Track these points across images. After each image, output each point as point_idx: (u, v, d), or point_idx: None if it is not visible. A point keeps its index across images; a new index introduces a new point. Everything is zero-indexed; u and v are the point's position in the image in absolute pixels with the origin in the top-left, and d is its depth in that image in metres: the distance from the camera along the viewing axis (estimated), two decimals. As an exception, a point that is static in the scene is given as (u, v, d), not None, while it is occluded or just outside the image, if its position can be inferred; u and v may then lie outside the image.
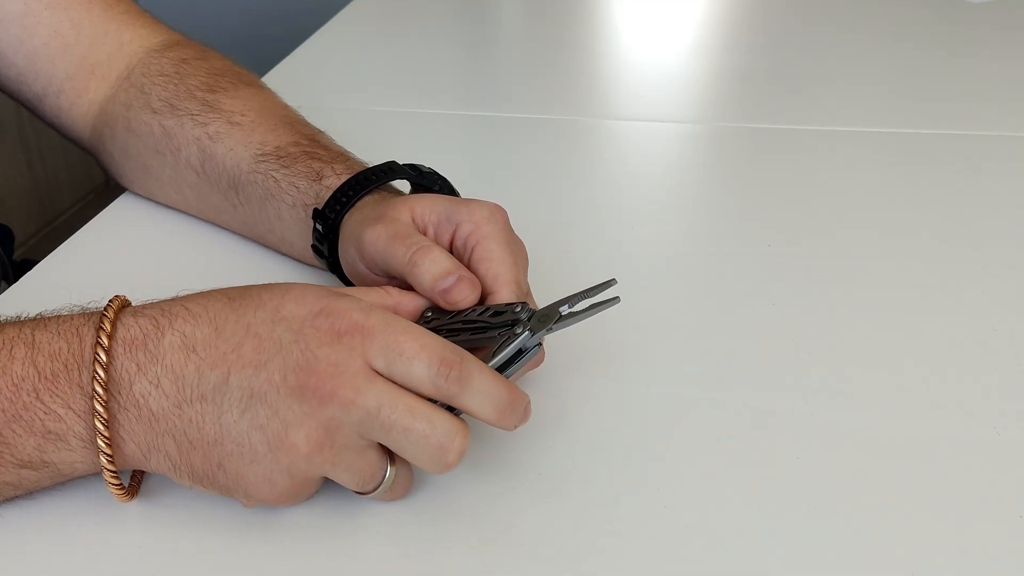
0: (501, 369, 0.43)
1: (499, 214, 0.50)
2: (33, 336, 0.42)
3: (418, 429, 0.40)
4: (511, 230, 0.50)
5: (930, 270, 0.64)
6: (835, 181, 0.76)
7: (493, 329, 0.44)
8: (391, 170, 0.55)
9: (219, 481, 0.41)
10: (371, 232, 0.49)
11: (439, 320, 0.46)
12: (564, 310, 0.44)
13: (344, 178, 0.56)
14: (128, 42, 0.68)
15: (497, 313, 0.45)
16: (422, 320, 0.47)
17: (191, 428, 0.41)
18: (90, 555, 0.42)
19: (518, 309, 0.44)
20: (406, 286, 0.48)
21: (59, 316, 0.43)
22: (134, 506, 0.45)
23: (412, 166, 0.56)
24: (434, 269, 0.46)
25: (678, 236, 0.69)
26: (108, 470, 0.42)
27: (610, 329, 0.57)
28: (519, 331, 0.43)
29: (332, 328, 0.40)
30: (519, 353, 0.44)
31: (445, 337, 0.44)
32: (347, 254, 0.53)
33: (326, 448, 0.40)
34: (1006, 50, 1.07)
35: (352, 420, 0.40)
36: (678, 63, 1.05)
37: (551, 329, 0.44)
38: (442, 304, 0.46)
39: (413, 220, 0.50)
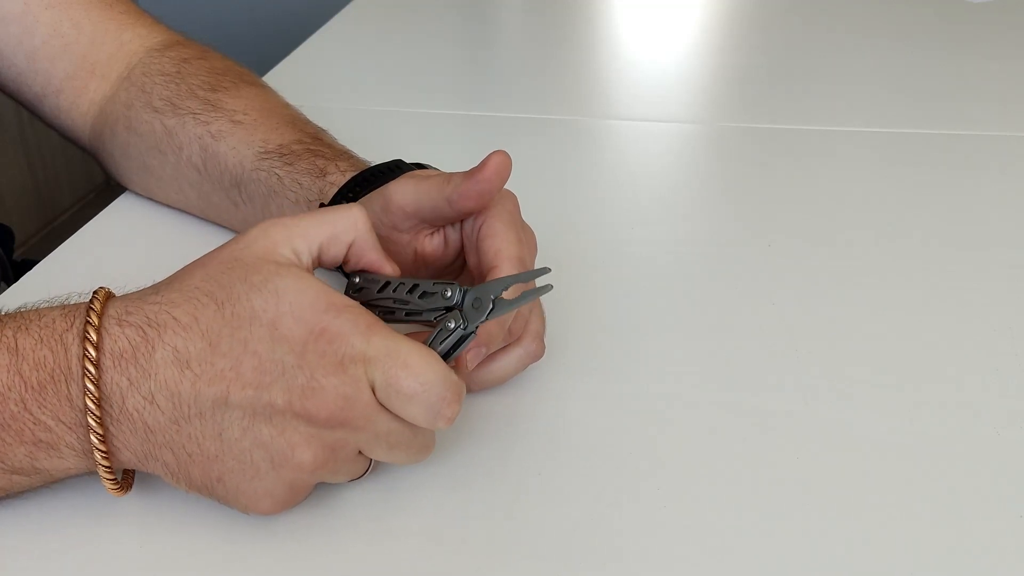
0: (444, 358, 0.44)
1: (508, 197, 0.49)
2: (16, 342, 0.40)
3: (417, 445, 0.43)
4: (519, 214, 0.50)
5: (930, 270, 0.64)
6: (835, 181, 0.76)
7: (429, 313, 0.44)
8: (397, 167, 0.55)
9: (217, 493, 0.41)
10: (398, 183, 0.50)
11: (369, 290, 0.46)
12: (495, 297, 0.44)
13: (349, 175, 0.56)
14: (128, 42, 0.68)
15: (425, 294, 0.44)
16: (351, 289, 0.46)
17: (190, 443, 0.40)
18: (87, 553, 0.42)
19: (448, 294, 0.44)
20: (427, 249, 0.50)
21: (40, 316, 0.41)
22: (131, 504, 0.44)
23: (419, 165, 0.56)
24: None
25: (678, 236, 0.69)
26: (106, 479, 0.42)
27: (610, 329, 0.57)
28: (452, 324, 0.43)
29: (335, 356, 0.40)
30: (460, 341, 0.44)
31: (380, 316, 0.43)
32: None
33: (329, 462, 0.41)
34: (1006, 50, 1.07)
35: (358, 439, 0.41)
36: (678, 63, 1.05)
37: (485, 319, 0.44)
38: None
39: None
